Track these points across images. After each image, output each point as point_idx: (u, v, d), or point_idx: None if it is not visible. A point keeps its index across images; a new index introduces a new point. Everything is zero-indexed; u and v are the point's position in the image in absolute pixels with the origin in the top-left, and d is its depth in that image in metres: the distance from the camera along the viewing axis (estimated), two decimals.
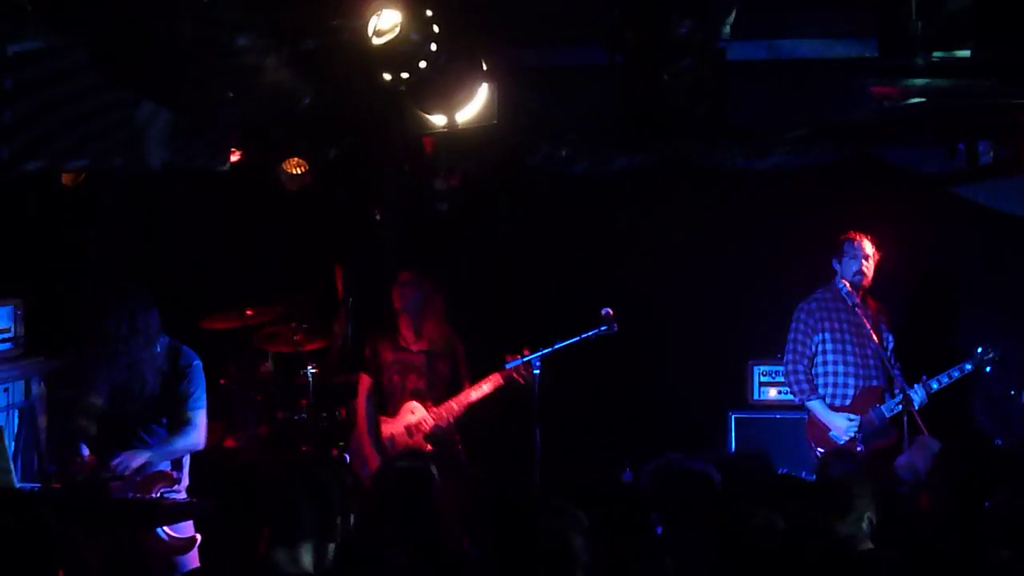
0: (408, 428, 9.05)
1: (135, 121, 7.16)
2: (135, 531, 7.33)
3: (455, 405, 9.06)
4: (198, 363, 7.67)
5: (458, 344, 9.28)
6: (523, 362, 8.62)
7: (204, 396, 7.66)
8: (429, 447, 8.89)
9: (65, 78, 6.98)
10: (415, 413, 9.08)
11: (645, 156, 10.07)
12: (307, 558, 5.03)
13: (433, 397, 9.13)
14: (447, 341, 9.25)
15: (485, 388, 9.03)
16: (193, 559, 7.38)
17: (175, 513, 7.37)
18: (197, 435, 7.61)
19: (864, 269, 8.89)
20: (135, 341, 7.45)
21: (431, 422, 9.02)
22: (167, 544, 7.31)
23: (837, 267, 8.98)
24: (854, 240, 8.94)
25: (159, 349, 7.56)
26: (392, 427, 9.09)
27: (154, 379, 7.54)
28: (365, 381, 9.20)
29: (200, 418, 7.62)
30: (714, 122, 7.43)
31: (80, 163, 7.72)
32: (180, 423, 7.58)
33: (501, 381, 8.97)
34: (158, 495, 7.31)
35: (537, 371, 8.53)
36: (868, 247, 8.91)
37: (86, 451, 7.53)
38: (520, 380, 8.79)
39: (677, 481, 6.05)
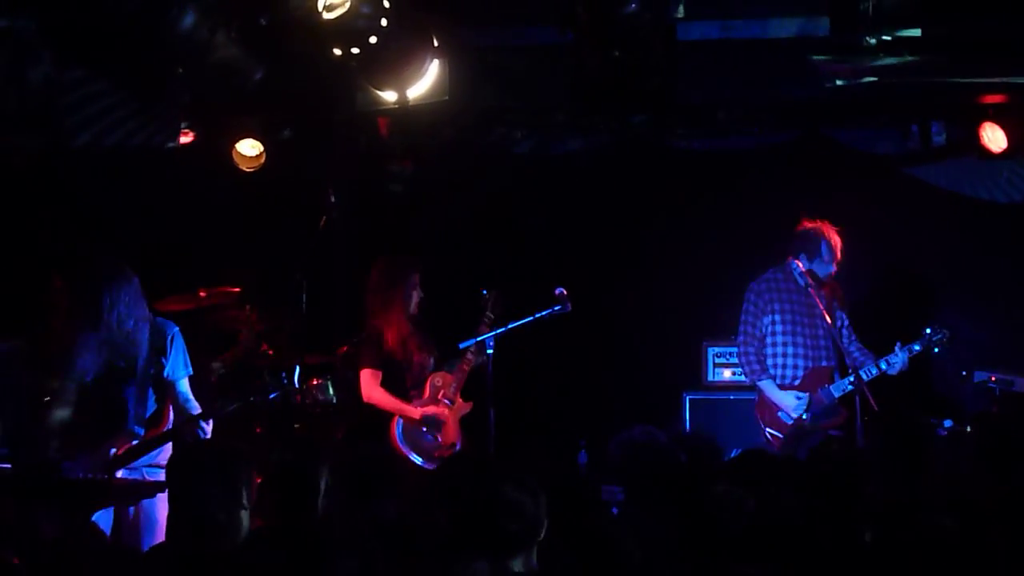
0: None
1: (67, 99, 7.08)
2: (88, 511, 7.24)
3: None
4: (177, 330, 7.51)
5: None
6: (477, 342, 8.58)
7: (189, 362, 7.55)
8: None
9: None
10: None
11: (599, 136, 10.10)
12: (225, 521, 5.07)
13: None
14: None
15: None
16: (160, 533, 7.31)
17: (127, 493, 7.30)
18: (195, 401, 7.49)
19: (835, 271, 8.90)
20: (130, 315, 7.23)
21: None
22: None
23: (804, 260, 8.81)
24: (834, 246, 8.82)
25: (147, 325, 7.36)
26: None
27: (139, 355, 7.39)
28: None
29: (188, 386, 7.48)
30: (665, 99, 7.46)
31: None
32: (176, 398, 7.41)
33: None
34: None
35: (491, 351, 8.47)
36: (840, 249, 8.86)
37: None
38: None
39: (644, 455, 6.05)
